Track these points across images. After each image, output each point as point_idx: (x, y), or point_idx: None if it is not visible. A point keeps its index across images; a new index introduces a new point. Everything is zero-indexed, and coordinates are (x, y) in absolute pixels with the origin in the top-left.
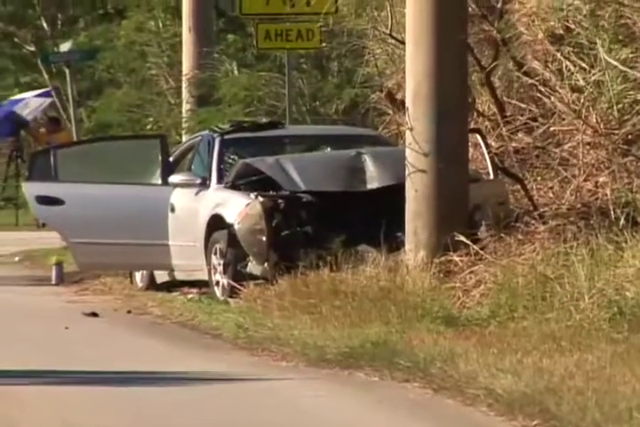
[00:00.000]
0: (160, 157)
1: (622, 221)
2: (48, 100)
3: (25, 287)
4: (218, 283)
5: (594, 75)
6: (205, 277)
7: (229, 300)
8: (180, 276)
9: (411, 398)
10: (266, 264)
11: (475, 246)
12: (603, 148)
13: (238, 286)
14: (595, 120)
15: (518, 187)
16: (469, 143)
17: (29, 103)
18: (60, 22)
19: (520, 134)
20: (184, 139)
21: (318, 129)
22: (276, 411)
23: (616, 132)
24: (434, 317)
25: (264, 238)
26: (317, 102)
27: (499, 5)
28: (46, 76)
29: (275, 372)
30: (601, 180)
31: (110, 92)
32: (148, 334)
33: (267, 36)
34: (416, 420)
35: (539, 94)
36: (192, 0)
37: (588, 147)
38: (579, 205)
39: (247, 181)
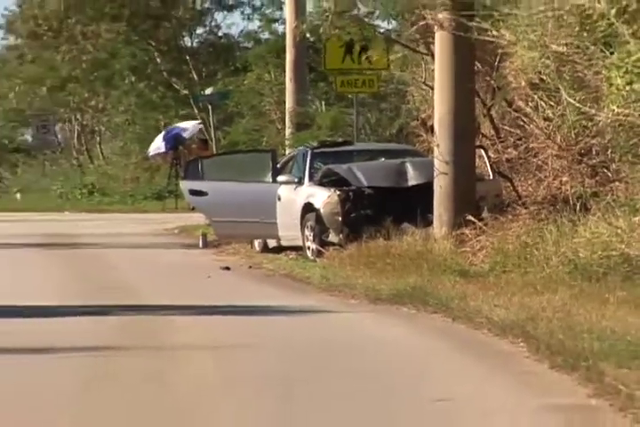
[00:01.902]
0: (271, 164)
1: (577, 207)
2: (198, 127)
3: (182, 250)
4: (309, 248)
5: (558, 110)
6: (300, 244)
7: (317, 259)
8: (284, 243)
9: (437, 325)
10: (340, 235)
11: (479, 223)
12: (565, 158)
13: (322, 250)
14: (559, 140)
15: (509, 184)
16: (476, 155)
17: (186, 128)
18: (204, 74)
19: (510, 149)
20: (287, 152)
21: (376, 145)
22: (346, 331)
23: (574, 148)
24: (452, 270)
25: (339, 218)
26: (376, 128)
27: (495, 64)
28: (196, 111)
29: (346, 306)
30: (564, 179)
31: (238, 121)
32: (263, 281)
33: (342, 84)
34: (439, 338)
35: (522, 123)
36: (292, 60)
37: (554, 158)
38: (549, 197)
39: (328, 180)
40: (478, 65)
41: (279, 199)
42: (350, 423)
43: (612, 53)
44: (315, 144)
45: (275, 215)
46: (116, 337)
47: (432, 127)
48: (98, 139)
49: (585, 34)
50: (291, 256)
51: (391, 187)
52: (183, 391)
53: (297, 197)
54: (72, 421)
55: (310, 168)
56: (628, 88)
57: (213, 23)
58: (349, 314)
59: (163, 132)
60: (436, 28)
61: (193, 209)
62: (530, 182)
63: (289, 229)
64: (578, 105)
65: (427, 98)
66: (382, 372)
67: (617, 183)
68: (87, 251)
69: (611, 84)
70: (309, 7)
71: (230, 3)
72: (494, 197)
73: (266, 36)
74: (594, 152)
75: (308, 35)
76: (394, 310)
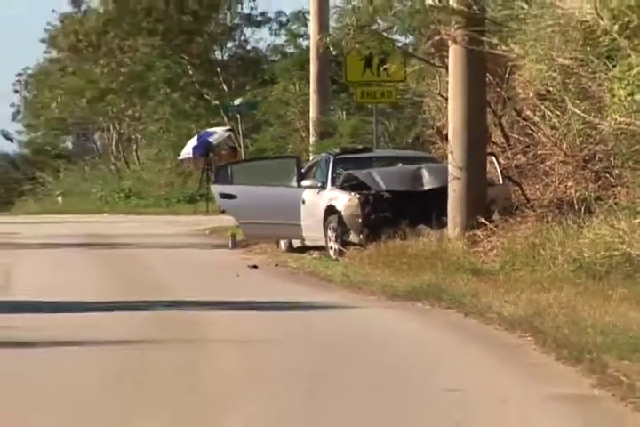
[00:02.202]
0: (296, 170)
1: (582, 210)
2: (226, 133)
3: (212, 249)
4: (331, 247)
5: (564, 119)
6: (323, 244)
7: (338, 258)
8: (308, 243)
9: (450, 319)
10: (360, 236)
11: (490, 225)
12: (570, 164)
13: (344, 250)
14: (565, 147)
15: (517, 188)
16: (487, 161)
17: (214, 132)
18: (233, 86)
19: (519, 156)
20: (311, 158)
21: (394, 152)
22: (365, 325)
23: (578, 154)
24: (465, 269)
25: (359, 220)
26: (394, 135)
27: (505, 76)
28: (226, 120)
29: (366, 302)
30: (569, 184)
31: (265, 129)
32: (288, 279)
33: (362, 95)
34: (452, 332)
35: (530, 131)
36: (316, 73)
37: (560, 164)
38: (555, 200)
39: (349, 185)
40: (489, 77)
41: (303, 202)
42: (369, 412)
43: (614, 66)
44: (336, 151)
45: (299, 217)
46: (151, 331)
47: (446, 135)
48: (134, 146)
49: (589, 48)
50: (314, 255)
51: (408, 191)
52: (213, 383)
53: (320, 201)
54: (106, 412)
55: (332, 173)
56: (629, 99)
57: (242, 38)
58: (369, 309)
59: (194, 138)
60: (450, 42)
61: (223, 211)
62: (537, 187)
63: (312, 230)
64: (582, 114)
65: (441, 108)
66: (399, 363)
67: (619, 188)
68: (124, 250)
69: (613, 95)
70: (332, 23)
71: (259, 19)
72: (504, 200)
73: (291, 50)
74: (597, 158)
75: (330, 49)
76: (410, 305)
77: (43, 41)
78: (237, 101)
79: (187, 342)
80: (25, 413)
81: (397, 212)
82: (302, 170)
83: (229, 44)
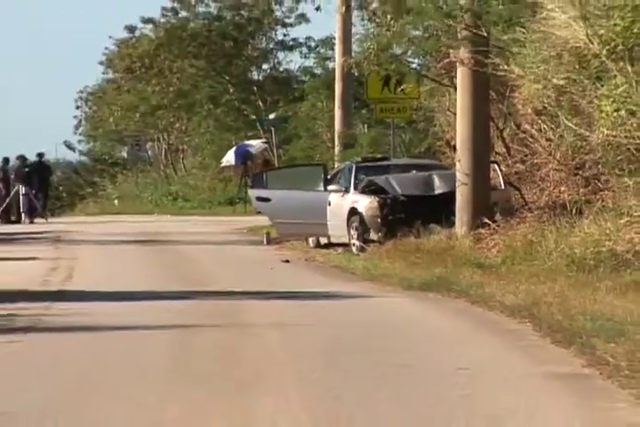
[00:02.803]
0: (322, 176)
1: (573, 212)
2: (264, 145)
3: (249, 246)
4: (354, 244)
5: (558, 132)
6: (346, 241)
7: (360, 253)
8: (333, 240)
9: (458, 307)
10: (379, 234)
11: (493, 225)
12: (563, 171)
13: (365, 246)
14: (558, 156)
15: (517, 193)
16: (490, 169)
17: (253, 145)
18: (268, 103)
19: (518, 164)
20: (336, 166)
21: (408, 161)
22: (384, 312)
23: (570, 163)
24: (471, 263)
25: (379, 220)
26: (409, 146)
27: (506, 94)
28: (261, 132)
29: (384, 292)
30: (562, 189)
31: (295, 141)
32: (316, 272)
33: (381, 111)
34: (460, 318)
35: (528, 142)
36: (340, 91)
37: (554, 171)
38: (550, 203)
39: (370, 189)
40: (492, 94)
41: (329, 204)
42: (388, 384)
43: (602, 86)
44: (358, 160)
45: (326, 217)
46: (197, 317)
47: (454, 146)
48: (181, 155)
49: (580, 70)
50: (339, 251)
51: (421, 195)
52: (254, 360)
53: (344, 203)
54: (164, 381)
55: (355, 179)
56: (615, 114)
57: (276, 60)
58: (387, 299)
59: (234, 148)
60: (458, 64)
61: (258, 212)
62: (534, 191)
63: (337, 229)
64: (574, 128)
65: (450, 122)
66: (414, 345)
67: (606, 192)
68: (172, 246)
69: (601, 111)
70: (355, 47)
71: (291, 44)
72: (505, 203)
73: (319, 71)
74: (587, 166)
75: (353, 70)
76: (423, 295)
77: (101, 63)
78: (271, 116)
79: (229, 325)
80: (106, 376)
81: (412, 213)
82: (328, 176)
83: (265, 66)
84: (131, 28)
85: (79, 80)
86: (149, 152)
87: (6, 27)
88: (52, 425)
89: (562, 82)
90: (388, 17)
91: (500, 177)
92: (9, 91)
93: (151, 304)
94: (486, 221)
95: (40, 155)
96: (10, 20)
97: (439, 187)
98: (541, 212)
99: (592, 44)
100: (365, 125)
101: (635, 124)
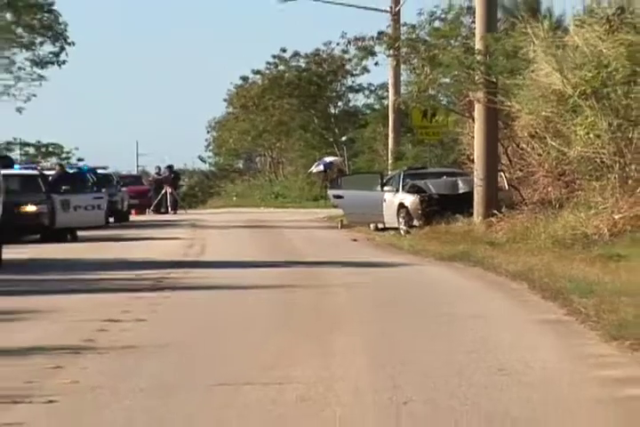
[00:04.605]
0: (380, 180)
1: (557, 206)
2: (339, 159)
3: (328, 229)
4: (401, 228)
5: (546, 149)
6: (396, 226)
7: (406, 235)
8: (387, 225)
9: (475, 273)
10: (420, 221)
11: (500, 215)
12: (549, 177)
13: (409, 230)
14: (546, 167)
15: (516, 192)
16: (498, 175)
17: (331, 159)
18: (341, 129)
19: (517, 172)
20: (389, 173)
21: (440, 169)
22: (422, 275)
23: (554, 171)
24: (484, 242)
25: (419, 211)
26: (440, 159)
27: (509, 122)
28: (336, 150)
29: (422, 262)
30: (549, 189)
31: (360, 156)
32: (375, 248)
33: (421, 134)
34: (476, 280)
35: (524, 157)
36: (392, 120)
37: (543, 177)
38: (540, 199)
39: (413, 190)
40: (500, 123)
41: (384, 201)
42: (422, 326)
43: (576, 117)
44: (405, 169)
45: (382, 210)
46: (290, 279)
47: (473, 159)
48: (280, 166)
49: (560, 106)
50: (391, 233)
51: (449, 194)
52: (330, 311)
53: (394, 200)
54: (269, 321)
55: (402, 183)
56: (586, 137)
57: (347, 99)
58: (425, 266)
59: (318, 161)
60: (475, 102)
61: (334, 206)
62: (529, 191)
63: (390, 217)
64: (557, 146)
65: (470, 142)
66: (442, 299)
67: (579, 192)
68: (273, 229)
69: (576, 135)
70: (402, 90)
71: (357, 88)
72: (508, 199)
73: (377, 106)
74: (566, 174)
75: (401, 106)
76: (450, 264)
77: (224, 100)
78: (344, 138)
79: (312, 286)
80: (225, 320)
81: (442, 207)
82: (384, 180)
83: (339, 103)
84: (244, 78)
85: (209, 112)
86: (258, 164)
87: (159, 71)
88: (192, 352)
89: (548, 114)
90: (425, 69)
91: (505, 181)
92: (162, 120)
93: (258, 270)
94: (495, 212)
95: (170, 166)
96: (162, 67)
97: (462, 188)
98: (534, 206)
99: (567, 88)
100: (410, 144)
101: (600, 144)
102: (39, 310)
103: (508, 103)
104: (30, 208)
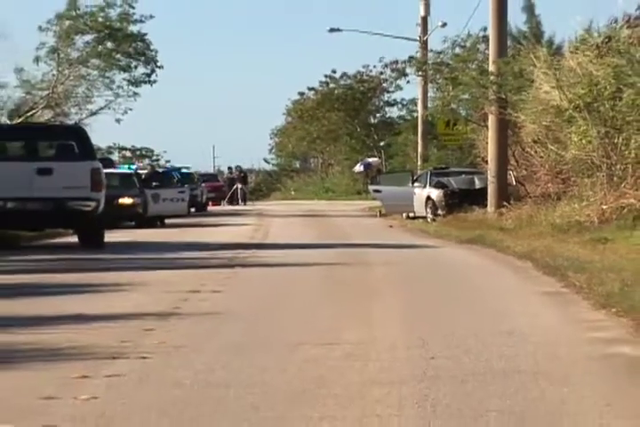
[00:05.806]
0: (411, 178)
1: (555, 198)
2: (378, 161)
3: (369, 218)
4: (428, 217)
5: (546, 152)
6: (424, 215)
7: (432, 222)
8: (417, 215)
9: (488, 253)
10: (443, 211)
11: (509, 206)
12: (549, 175)
13: (435, 218)
14: (547, 166)
15: (522, 187)
16: (507, 173)
17: (371, 160)
18: (379, 135)
19: (523, 171)
20: (418, 172)
21: (460, 169)
22: (444, 255)
23: (555, 170)
24: (496, 228)
25: (443, 203)
26: (460, 161)
27: (516, 130)
28: (376, 153)
29: (445, 244)
30: (549, 185)
31: (395, 158)
32: (407, 232)
33: (445, 140)
34: (489, 259)
35: (529, 158)
36: (421, 129)
37: (544, 175)
38: (542, 193)
39: (438, 185)
40: (509, 131)
41: (415, 194)
42: (445, 297)
43: (571, 126)
44: (431, 169)
45: (413, 202)
46: (337, 258)
47: (487, 161)
48: (330, 166)
49: (557, 117)
50: (420, 221)
51: (467, 188)
52: (370, 281)
53: (423, 193)
54: (319, 292)
55: (429, 180)
56: (579, 142)
57: (384, 112)
58: (447, 248)
59: (360, 162)
60: (489, 114)
61: (374, 199)
62: (532, 186)
63: (419, 208)
64: (555, 150)
65: (484, 147)
66: (461, 275)
67: (574, 187)
68: (324, 218)
69: (571, 140)
70: (429, 104)
71: (392, 102)
72: (516, 193)
73: (409, 118)
74: (563, 172)
75: (429, 117)
76: (468, 246)
77: (283, 113)
78: (381, 144)
79: (356, 263)
80: (286, 291)
81: (462, 199)
82: (414, 178)
83: (378, 115)
84: (301, 93)
85: (272, 122)
86: (312, 164)
87: (231, 89)
88: (259, 318)
89: (548, 124)
90: (448, 87)
91: (513, 178)
92: (233, 128)
93: (312, 251)
94: (505, 203)
95: (238, 166)
96: (234, 85)
97: (478, 184)
98: (536, 199)
99: (564, 102)
100: (435, 149)
101: (591, 148)
102: (133, 283)
103: (516, 115)
104: (127, 200)
